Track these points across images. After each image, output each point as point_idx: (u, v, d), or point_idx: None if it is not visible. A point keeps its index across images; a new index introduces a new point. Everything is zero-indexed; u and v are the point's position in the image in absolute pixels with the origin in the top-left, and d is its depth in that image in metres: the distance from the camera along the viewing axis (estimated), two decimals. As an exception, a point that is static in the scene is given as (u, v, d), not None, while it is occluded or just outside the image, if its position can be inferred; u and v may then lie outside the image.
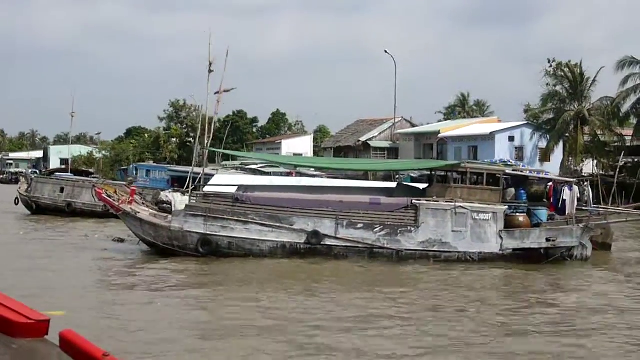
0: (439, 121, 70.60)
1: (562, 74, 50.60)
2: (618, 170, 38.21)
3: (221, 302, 14.36)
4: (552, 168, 40.84)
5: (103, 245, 22.86)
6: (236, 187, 21.03)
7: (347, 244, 19.54)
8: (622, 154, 42.09)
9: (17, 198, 37.60)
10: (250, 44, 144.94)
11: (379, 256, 19.44)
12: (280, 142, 72.31)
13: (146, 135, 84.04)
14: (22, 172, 57.49)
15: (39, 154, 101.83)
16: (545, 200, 20.66)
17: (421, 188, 21.73)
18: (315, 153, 71.10)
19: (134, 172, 59.94)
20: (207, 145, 23.35)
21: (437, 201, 19.78)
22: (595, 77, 48.60)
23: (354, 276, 17.89)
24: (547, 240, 19.58)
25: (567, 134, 49.30)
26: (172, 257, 19.91)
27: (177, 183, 34.96)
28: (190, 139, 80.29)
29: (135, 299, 14.22)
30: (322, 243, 19.56)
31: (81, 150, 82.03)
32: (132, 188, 22.75)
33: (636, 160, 46.41)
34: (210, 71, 21.73)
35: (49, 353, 2.21)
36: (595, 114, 47.52)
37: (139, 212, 20.66)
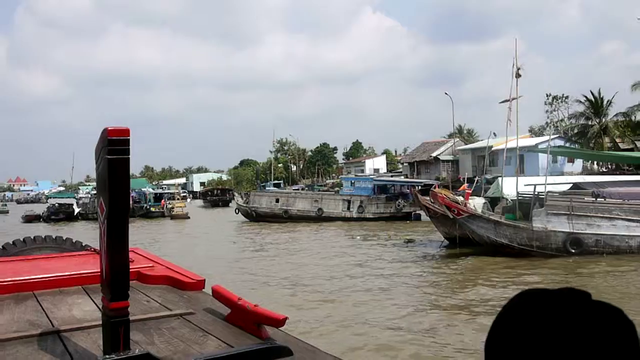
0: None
1: (580, 101, 58.87)
2: None
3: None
4: (576, 167, 53.02)
5: (405, 250, 23.15)
6: (569, 185, 21.19)
7: None
8: None
9: (237, 209, 45.48)
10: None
11: None
12: (364, 162, 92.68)
13: (258, 164, 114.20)
14: (177, 192, 67.47)
15: (181, 180, 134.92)
16: None
17: None
18: (389, 170, 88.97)
19: (271, 186, 73.78)
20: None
21: None
22: (611, 99, 55.33)
23: None
24: None
25: (592, 143, 55.65)
26: (528, 257, 19.63)
27: (380, 190, 42.93)
28: (291, 165, 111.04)
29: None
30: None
31: (214, 176, 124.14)
32: (468, 191, 22.48)
33: None
34: (518, 76, 22.53)
35: (205, 299, 3.56)
36: (613, 126, 54.42)
37: (492, 215, 20.45)
